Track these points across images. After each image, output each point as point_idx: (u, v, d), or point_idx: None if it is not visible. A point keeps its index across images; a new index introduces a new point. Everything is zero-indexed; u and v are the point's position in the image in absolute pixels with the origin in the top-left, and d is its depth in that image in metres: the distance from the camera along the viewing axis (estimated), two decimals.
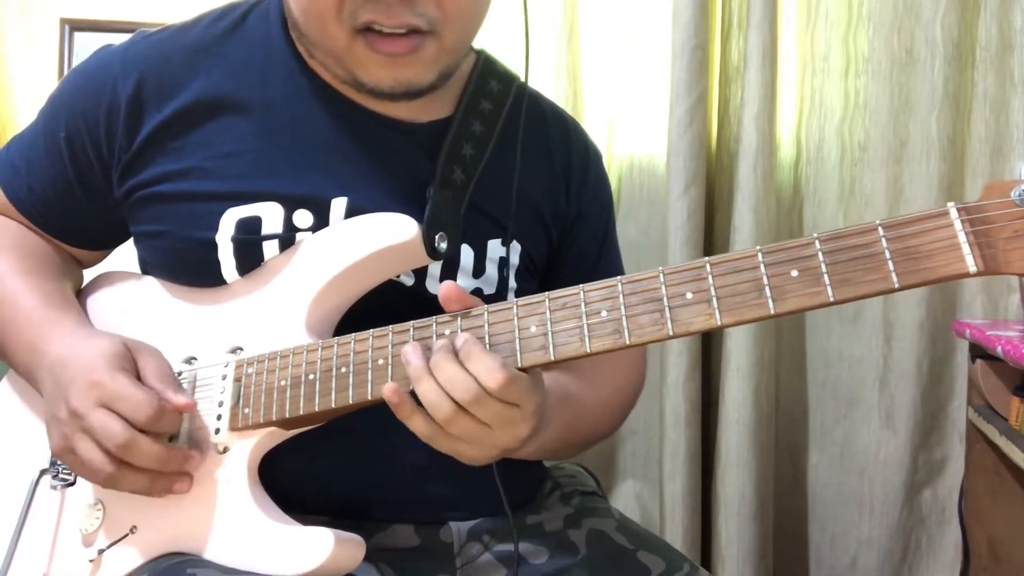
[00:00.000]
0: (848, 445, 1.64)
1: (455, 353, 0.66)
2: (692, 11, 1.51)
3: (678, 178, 1.54)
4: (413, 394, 0.68)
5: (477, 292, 0.85)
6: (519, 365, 0.67)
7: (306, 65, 0.84)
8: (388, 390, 0.67)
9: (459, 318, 0.70)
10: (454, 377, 0.66)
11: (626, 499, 1.69)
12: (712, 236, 1.63)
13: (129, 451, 0.72)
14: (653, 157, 1.65)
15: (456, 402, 0.66)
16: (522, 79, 0.93)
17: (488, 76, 0.90)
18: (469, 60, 0.91)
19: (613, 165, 1.65)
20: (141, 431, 0.73)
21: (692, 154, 1.54)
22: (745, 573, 1.56)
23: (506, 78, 0.92)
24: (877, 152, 1.58)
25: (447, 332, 0.69)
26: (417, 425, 0.68)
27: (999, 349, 1.25)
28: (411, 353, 0.68)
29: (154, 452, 0.73)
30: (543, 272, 0.93)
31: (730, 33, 1.60)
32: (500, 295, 0.87)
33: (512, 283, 0.88)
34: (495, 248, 0.87)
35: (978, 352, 1.41)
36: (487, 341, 0.68)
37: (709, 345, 1.64)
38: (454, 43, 0.80)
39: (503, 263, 0.87)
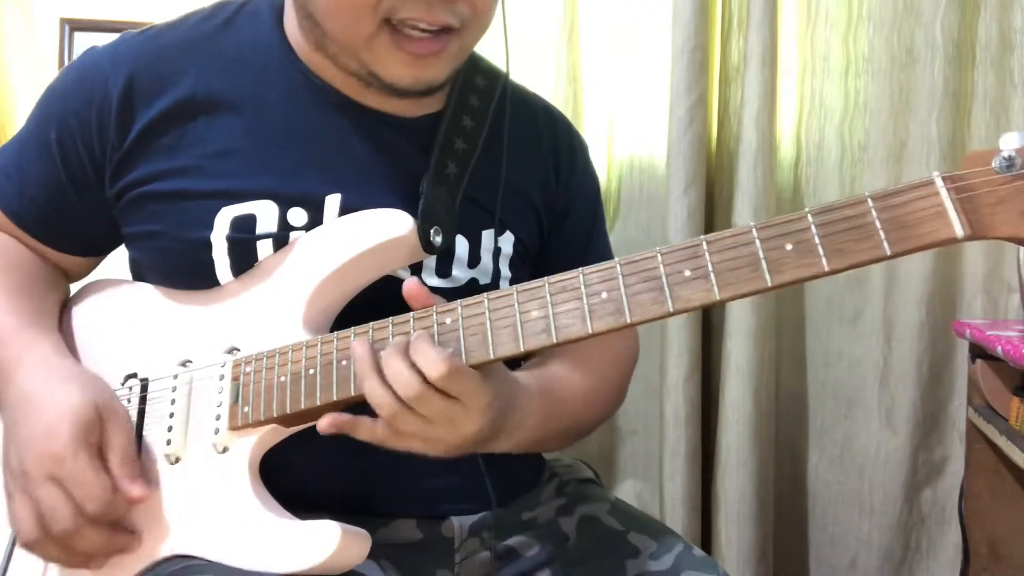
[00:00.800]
0: (848, 445, 1.64)
1: (405, 349, 0.67)
2: (692, 11, 1.51)
3: (678, 178, 1.54)
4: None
5: (472, 282, 0.86)
6: (523, 349, 0.67)
7: (298, 62, 0.84)
8: (325, 424, 0.69)
9: (459, 306, 0.70)
10: (398, 371, 0.66)
11: (626, 499, 1.67)
12: None
13: (71, 537, 0.72)
14: (653, 157, 1.64)
15: (399, 398, 0.66)
16: (505, 75, 0.94)
17: (474, 73, 0.91)
18: None
19: (613, 165, 1.65)
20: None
21: (692, 154, 1.53)
22: (745, 573, 1.56)
23: (491, 73, 0.93)
24: (877, 152, 1.58)
25: (447, 321, 0.70)
26: (362, 433, 0.69)
27: (999, 349, 1.25)
28: (359, 348, 0.69)
29: (94, 543, 0.73)
30: (535, 259, 0.94)
31: (730, 33, 1.60)
32: (495, 284, 0.88)
33: (506, 272, 0.89)
34: (489, 238, 0.87)
35: (978, 352, 1.40)
36: (488, 327, 0.68)
37: (709, 345, 1.63)
38: (472, 41, 0.82)
39: (497, 252, 0.88)
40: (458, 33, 0.78)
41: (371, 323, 0.73)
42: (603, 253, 1.01)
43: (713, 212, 1.64)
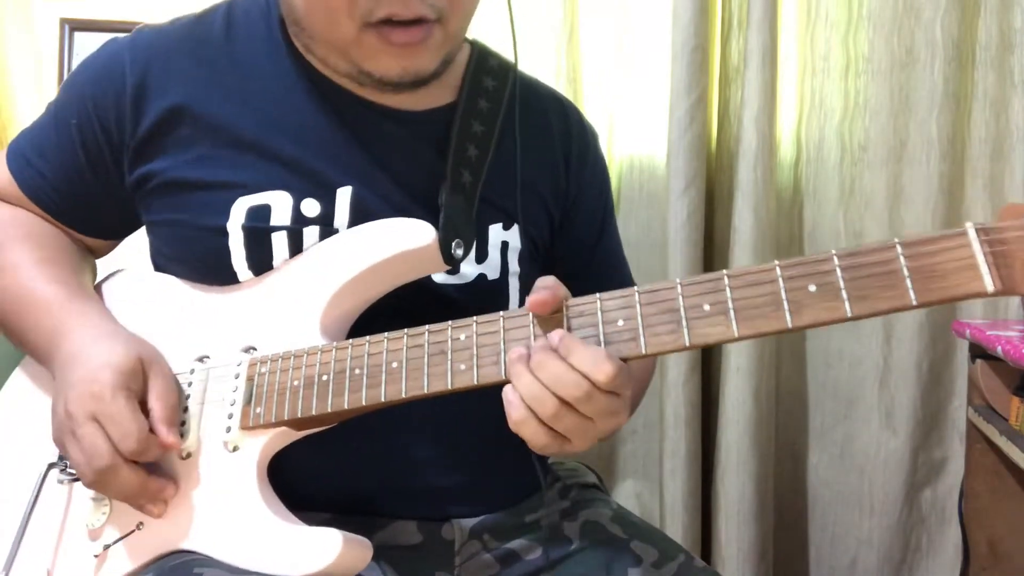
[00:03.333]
0: (848, 445, 1.64)
1: (555, 351, 0.65)
2: (692, 11, 1.51)
3: (678, 178, 1.54)
4: None
5: (481, 277, 0.86)
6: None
7: (303, 58, 0.85)
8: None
9: (475, 323, 0.70)
10: (560, 375, 0.64)
11: (626, 499, 1.69)
12: (712, 236, 1.63)
13: (106, 475, 0.73)
14: (653, 157, 1.65)
15: (561, 400, 0.64)
16: (516, 68, 0.94)
17: (483, 73, 0.91)
18: (464, 49, 0.92)
19: (613, 165, 1.65)
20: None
21: (692, 154, 1.54)
22: (745, 573, 1.56)
23: (501, 70, 0.92)
24: (877, 152, 1.58)
25: (462, 337, 0.70)
26: (526, 429, 0.66)
27: (999, 349, 1.25)
28: (513, 353, 0.66)
29: (129, 483, 0.74)
30: (545, 254, 0.94)
31: (730, 33, 1.60)
32: (503, 280, 0.88)
33: (515, 267, 0.88)
34: (496, 233, 0.87)
35: (978, 352, 1.41)
36: (502, 347, 0.68)
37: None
38: (456, 29, 0.81)
39: (504, 247, 0.88)
40: (439, 23, 0.78)
41: (385, 333, 0.73)
42: (614, 247, 1.02)
43: (713, 212, 1.64)
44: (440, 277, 0.84)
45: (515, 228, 0.89)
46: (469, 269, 0.86)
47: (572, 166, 0.95)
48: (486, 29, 0.96)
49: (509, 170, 0.88)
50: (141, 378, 0.77)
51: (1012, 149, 1.54)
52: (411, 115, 0.86)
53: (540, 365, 0.65)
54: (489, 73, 0.92)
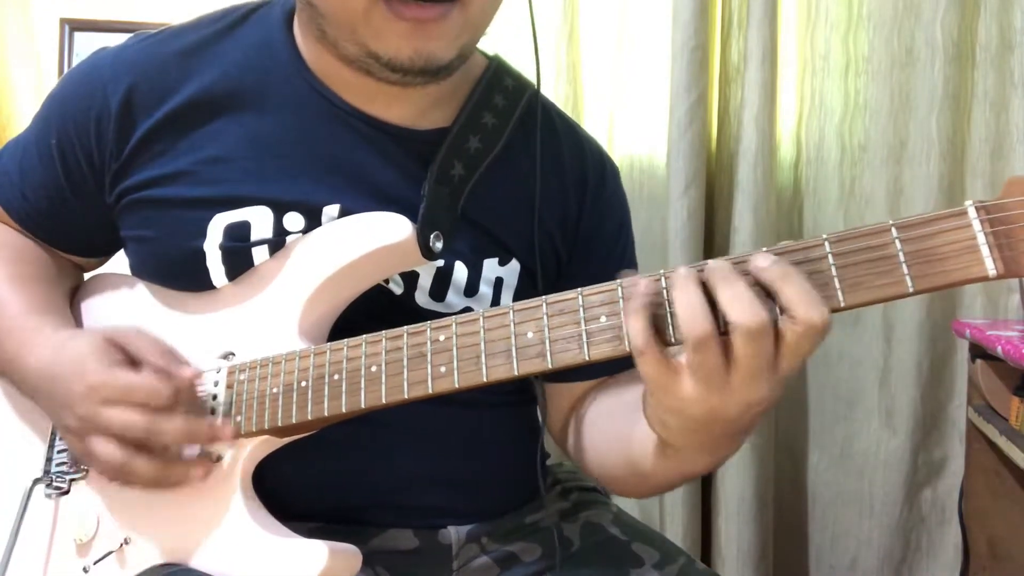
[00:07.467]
0: (848, 445, 1.64)
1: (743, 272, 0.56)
2: (692, 11, 1.51)
3: (678, 178, 1.54)
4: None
5: (467, 311, 0.81)
6: (516, 373, 0.63)
7: (305, 66, 0.82)
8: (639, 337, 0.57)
9: (455, 323, 0.67)
10: (740, 294, 0.55)
11: (626, 499, 1.68)
12: (712, 236, 1.63)
13: (156, 432, 0.71)
14: (653, 157, 1.65)
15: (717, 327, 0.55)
16: (535, 86, 0.90)
17: (494, 90, 0.87)
18: (479, 64, 0.88)
19: None
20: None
21: (692, 154, 1.53)
22: (745, 573, 1.56)
23: (515, 91, 0.88)
24: (877, 152, 1.58)
25: (441, 338, 0.67)
26: (646, 359, 0.58)
27: (999, 349, 1.25)
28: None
29: (180, 424, 0.72)
30: (546, 289, 0.90)
31: (730, 33, 1.60)
32: None
33: (507, 303, 0.85)
34: (491, 267, 0.83)
35: (978, 352, 1.40)
36: (483, 348, 0.65)
37: None
38: (478, 15, 0.76)
39: (499, 283, 0.84)
40: (459, 5, 0.73)
41: (364, 336, 0.71)
42: None
43: (713, 212, 1.64)
44: (424, 301, 0.81)
45: (513, 263, 0.84)
46: (456, 300, 0.81)
47: (586, 201, 0.89)
48: (498, 35, 0.93)
49: (512, 199, 0.84)
50: (118, 348, 0.75)
51: (1012, 149, 1.54)
52: (411, 133, 0.82)
53: (724, 279, 0.55)
54: (502, 92, 0.87)
